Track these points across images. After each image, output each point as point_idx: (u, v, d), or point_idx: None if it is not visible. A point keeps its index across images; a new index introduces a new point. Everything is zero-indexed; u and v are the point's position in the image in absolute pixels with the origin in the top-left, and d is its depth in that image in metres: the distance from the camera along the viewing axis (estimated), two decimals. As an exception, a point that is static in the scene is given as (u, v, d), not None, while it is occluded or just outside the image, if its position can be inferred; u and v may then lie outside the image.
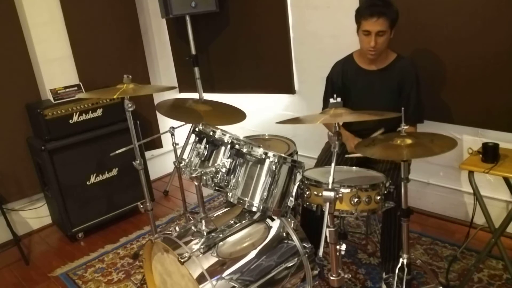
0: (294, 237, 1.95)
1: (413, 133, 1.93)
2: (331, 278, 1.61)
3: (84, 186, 3.03)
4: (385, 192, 1.80)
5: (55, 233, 3.25)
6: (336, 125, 1.57)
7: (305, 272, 1.95)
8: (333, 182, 1.53)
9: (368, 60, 2.22)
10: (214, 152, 1.93)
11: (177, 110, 2.41)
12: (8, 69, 2.95)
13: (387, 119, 1.75)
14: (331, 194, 1.50)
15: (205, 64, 3.61)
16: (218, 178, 1.88)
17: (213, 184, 1.88)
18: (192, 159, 2.01)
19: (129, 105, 2.14)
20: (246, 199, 1.83)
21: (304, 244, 1.95)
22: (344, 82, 2.32)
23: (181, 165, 2.06)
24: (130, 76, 2.13)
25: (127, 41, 3.51)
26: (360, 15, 2.09)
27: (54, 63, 3.14)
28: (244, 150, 1.85)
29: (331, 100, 1.64)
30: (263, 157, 1.81)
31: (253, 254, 1.86)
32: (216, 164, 1.88)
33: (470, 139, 2.53)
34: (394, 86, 2.20)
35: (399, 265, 1.86)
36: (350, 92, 2.30)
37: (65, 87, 3.00)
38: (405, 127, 1.73)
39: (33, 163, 3.11)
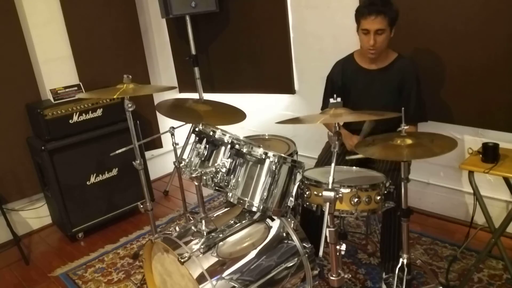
0: (294, 237, 1.95)
1: (413, 133, 1.93)
2: (331, 278, 1.61)
3: (84, 186, 3.03)
4: (385, 192, 1.80)
5: (55, 233, 3.25)
6: (336, 125, 1.57)
7: (305, 272, 1.95)
8: (333, 182, 1.53)
9: (368, 59, 2.22)
10: (214, 152, 1.93)
11: (177, 110, 2.41)
12: (8, 69, 2.94)
13: (387, 118, 1.74)
14: (331, 194, 1.50)
15: (205, 64, 3.61)
16: (218, 178, 1.88)
17: (213, 184, 1.88)
18: (192, 159, 2.01)
19: (129, 105, 2.14)
20: (246, 199, 1.83)
21: (304, 244, 1.95)
22: (344, 81, 2.32)
23: (181, 165, 2.06)
24: (130, 76, 2.13)
25: (127, 41, 3.51)
26: (359, 14, 2.10)
27: (54, 63, 3.14)
28: (244, 150, 1.85)
29: (331, 100, 1.65)
30: (263, 157, 1.81)
31: (253, 254, 1.86)
32: (216, 164, 1.88)
33: (470, 139, 2.53)
34: (395, 86, 2.20)
35: (399, 265, 1.86)
36: (350, 92, 2.30)
37: (65, 87, 3.00)
38: (406, 127, 1.73)
39: (33, 163, 3.11)
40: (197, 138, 2.02)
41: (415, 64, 2.21)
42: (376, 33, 2.06)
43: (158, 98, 3.02)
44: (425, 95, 2.25)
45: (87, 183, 3.05)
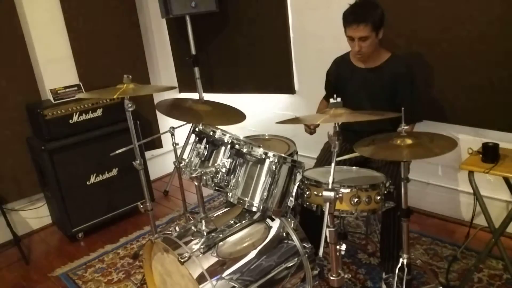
0: (294, 237, 1.95)
1: (413, 133, 1.93)
2: (331, 278, 1.61)
3: (84, 186, 3.03)
4: (385, 192, 1.80)
5: (55, 233, 3.25)
6: (336, 125, 1.57)
7: (305, 272, 1.95)
8: (333, 182, 1.53)
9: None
10: (214, 152, 1.93)
11: (177, 109, 2.41)
12: (8, 69, 2.95)
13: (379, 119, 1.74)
14: (331, 194, 1.50)
15: (205, 64, 3.61)
16: (218, 178, 1.88)
17: (213, 184, 1.88)
18: (192, 159, 2.01)
19: (129, 105, 2.14)
20: (246, 199, 1.83)
21: (304, 244, 1.95)
22: (338, 79, 2.35)
23: (181, 165, 2.06)
24: (130, 76, 2.13)
25: (127, 41, 3.51)
26: (344, 21, 2.11)
27: (54, 63, 3.14)
28: (244, 150, 1.85)
29: (331, 100, 1.65)
30: (263, 157, 1.81)
31: (253, 254, 1.86)
32: (216, 164, 1.88)
33: (470, 139, 2.53)
34: (388, 85, 2.20)
35: (399, 265, 1.86)
36: (345, 90, 2.32)
37: (65, 87, 3.01)
38: (405, 127, 1.73)
39: (33, 163, 3.11)
40: (197, 138, 2.02)
41: (409, 64, 2.19)
42: (360, 39, 2.08)
43: (158, 98, 3.02)
44: (424, 95, 2.25)
45: (87, 183, 3.05)
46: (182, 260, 1.68)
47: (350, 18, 2.06)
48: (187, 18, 3.24)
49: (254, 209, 1.83)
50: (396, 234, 2.08)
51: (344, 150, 2.28)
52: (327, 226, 1.53)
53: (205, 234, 1.84)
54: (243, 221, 1.98)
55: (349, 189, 1.74)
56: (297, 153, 2.39)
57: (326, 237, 1.54)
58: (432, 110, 2.51)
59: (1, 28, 2.89)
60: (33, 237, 3.22)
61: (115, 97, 2.33)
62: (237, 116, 2.35)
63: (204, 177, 1.85)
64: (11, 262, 2.90)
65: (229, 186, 1.87)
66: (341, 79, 2.34)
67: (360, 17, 2.03)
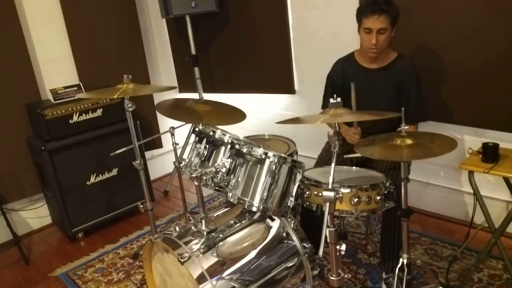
0: (294, 237, 1.95)
1: (413, 133, 1.92)
2: (331, 278, 1.61)
3: (84, 186, 3.03)
4: (385, 192, 1.80)
5: (55, 233, 3.25)
6: (336, 125, 1.57)
7: (305, 272, 1.95)
8: (333, 182, 1.53)
9: (368, 58, 2.22)
10: (214, 152, 1.93)
11: (177, 110, 2.41)
12: (8, 69, 2.95)
13: (387, 118, 1.74)
14: (331, 194, 1.50)
15: (205, 64, 3.61)
16: (218, 178, 1.88)
17: (213, 184, 1.88)
18: (192, 159, 2.01)
19: (129, 105, 2.14)
20: (246, 199, 1.83)
21: (304, 244, 1.95)
22: (344, 80, 2.32)
23: (181, 165, 2.06)
24: (130, 76, 2.13)
25: (127, 41, 3.51)
26: (362, 13, 2.09)
27: (54, 63, 3.14)
28: (244, 150, 1.85)
29: (331, 100, 1.65)
30: (263, 157, 1.81)
31: (253, 254, 1.86)
32: (216, 164, 1.88)
33: (470, 139, 2.53)
34: (395, 85, 2.21)
35: (399, 265, 1.86)
36: (350, 91, 2.30)
37: (65, 87, 3.01)
38: (405, 127, 1.73)
39: (33, 163, 3.11)
40: (197, 138, 2.02)
41: (415, 64, 2.21)
42: (378, 32, 2.06)
43: (158, 98, 3.03)
44: (425, 95, 2.25)
45: (87, 183, 3.05)
46: (182, 260, 1.68)
47: (372, 8, 2.04)
48: (187, 18, 3.24)
49: (254, 209, 1.83)
50: (396, 234, 2.08)
51: (346, 150, 2.28)
52: (327, 226, 1.53)
53: (205, 234, 1.84)
54: (243, 221, 1.98)
55: (349, 189, 1.74)
56: (297, 153, 2.39)
57: (326, 237, 1.54)
58: (432, 110, 2.50)
59: (1, 28, 2.89)
60: (33, 237, 3.22)
61: (115, 97, 2.34)
62: (237, 115, 2.35)
63: (204, 177, 1.85)
64: (11, 262, 2.90)
65: (229, 186, 1.87)
66: (347, 79, 2.31)
67: (382, 7, 2.03)
